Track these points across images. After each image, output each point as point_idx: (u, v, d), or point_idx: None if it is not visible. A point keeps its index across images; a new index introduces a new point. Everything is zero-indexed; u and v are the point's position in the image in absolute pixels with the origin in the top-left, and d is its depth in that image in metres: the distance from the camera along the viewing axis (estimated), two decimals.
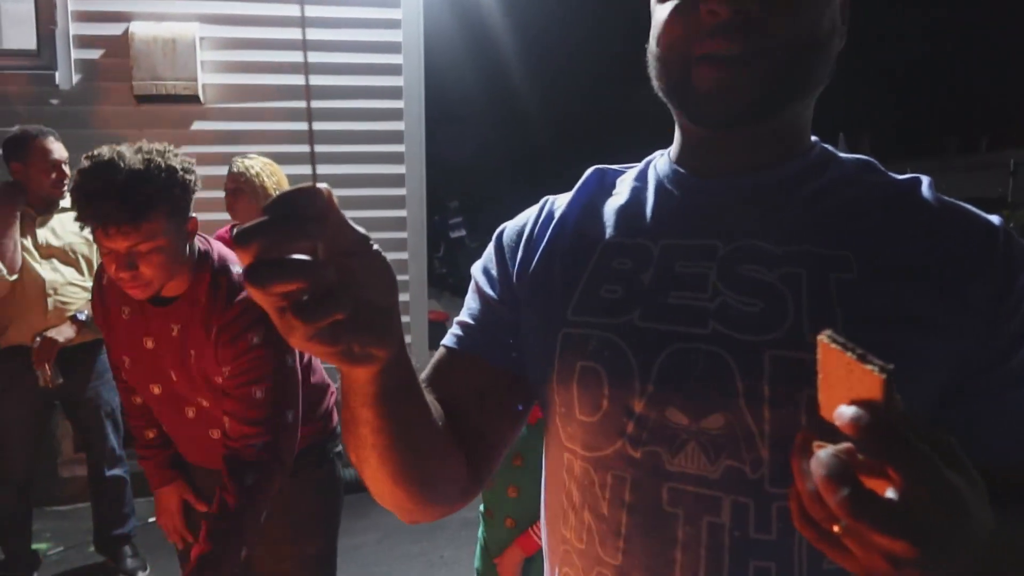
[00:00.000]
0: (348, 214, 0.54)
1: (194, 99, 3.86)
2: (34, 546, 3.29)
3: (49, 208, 3.05)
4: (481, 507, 2.09)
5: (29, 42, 3.74)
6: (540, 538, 1.91)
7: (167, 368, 1.76)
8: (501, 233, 0.90)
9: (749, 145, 0.77)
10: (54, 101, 3.80)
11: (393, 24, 4.10)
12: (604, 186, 0.88)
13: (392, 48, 4.11)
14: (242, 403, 1.63)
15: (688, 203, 0.80)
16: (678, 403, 0.72)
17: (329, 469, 1.99)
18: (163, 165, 1.57)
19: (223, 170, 3.99)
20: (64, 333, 3.00)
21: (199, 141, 3.97)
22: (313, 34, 4.02)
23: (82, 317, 3.06)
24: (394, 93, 4.15)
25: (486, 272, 0.89)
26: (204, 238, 1.77)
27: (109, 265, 1.59)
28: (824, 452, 0.51)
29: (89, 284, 3.13)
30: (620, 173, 0.89)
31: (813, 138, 0.82)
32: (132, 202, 1.51)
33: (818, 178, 0.77)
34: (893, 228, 0.73)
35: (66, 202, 3.11)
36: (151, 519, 3.75)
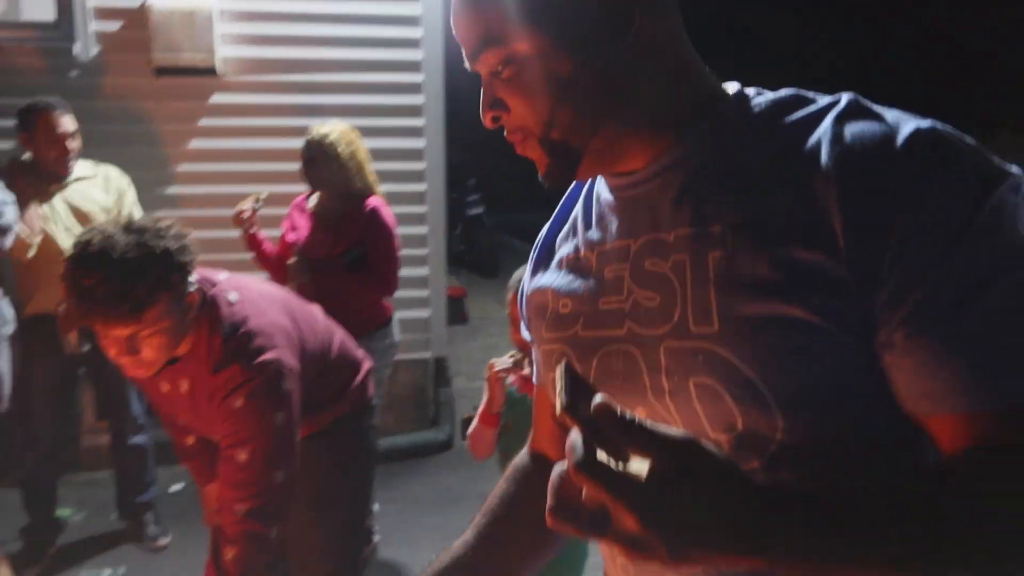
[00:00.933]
0: None
1: (212, 72, 3.86)
2: (58, 512, 3.35)
3: (62, 178, 3.08)
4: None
5: (48, 14, 3.74)
6: None
7: (181, 415, 1.79)
8: (520, 293, 0.97)
9: (609, 162, 0.78)
10: (72, 73, 3.82)
11: None
12: (572, 199, 0.91)
13: (411, 21, 4.09)
14: (228, 464, 1.61)
15: (609, 209, 0.82)
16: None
17: (361, 441, 2.01)
18: (158, 250, 1.51)
19: (241, 143, 4.02)
20: None
21: (217, 114, 3.97)
22: (330, 7, 4.00)
23: None
24: (413, 67, 4.13)
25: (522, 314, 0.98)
26: (210, 282, 1.71)
27: (109, 349, 1.55)
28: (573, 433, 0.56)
29: None
30: (581, 185, 0.91)
31: (733, 84, 0.78)
32: (131, 298, 1.46)
33: (708, 152, 0.74)
34: (765, 185, 0.69)
35: (82, 170, 3.14)
36: (172, 488, 3.81)
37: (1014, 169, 0.65)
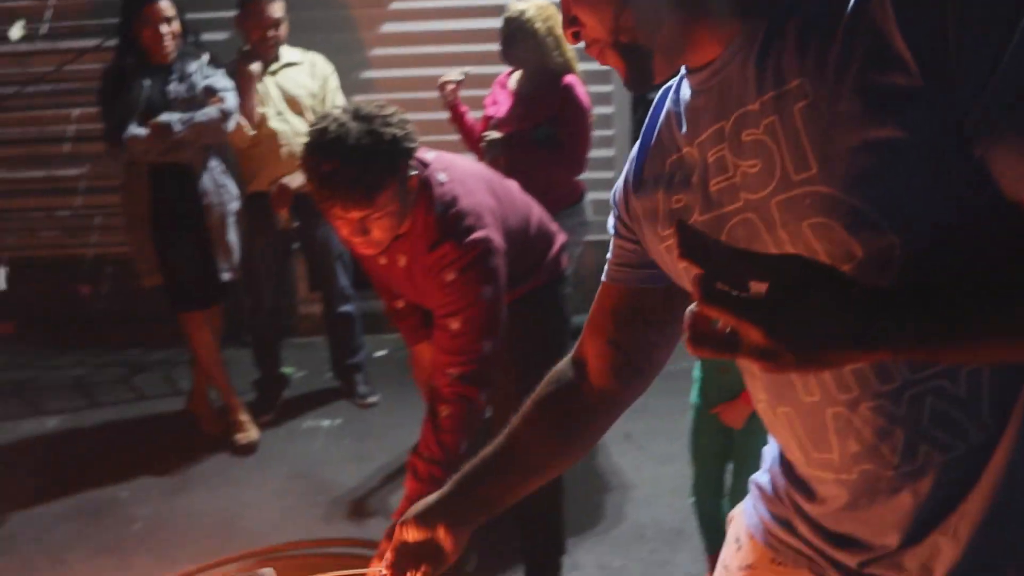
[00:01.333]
0: None
1: None
2: (282, 369, 3.77)
3: (271, 62, 3.27)
4: None
5: None
6: None
7: (399, 285, 1.91)
8: (614, 192, 1.04)
9: (678, 55, 0.83)
10: None
11: None
12: (658, 110, 0.96)
13: None
14: (442, 332, 1.74)
15: (696, 105, 0.87)
16: None
17: (557, 310, 2.09)
18: (387, 137, 1.58)
19: (437, 24, 4.05)
20: (296, 180, 3.28)
21: None
22: None
23: None
24: None
25: (615, 224, 1.04)
26: (423, 163, 1.77)
27: (341, 228, 1.67)
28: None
29: None
30: (668, 89, 0.95)
31: None
32: (366, 182, 1.56)
33: (773, 23, 0.78)
34: (828, 30, 0.73)
35: (291, 57, 3.33)
36: (376, 354, 4.16)
37: None
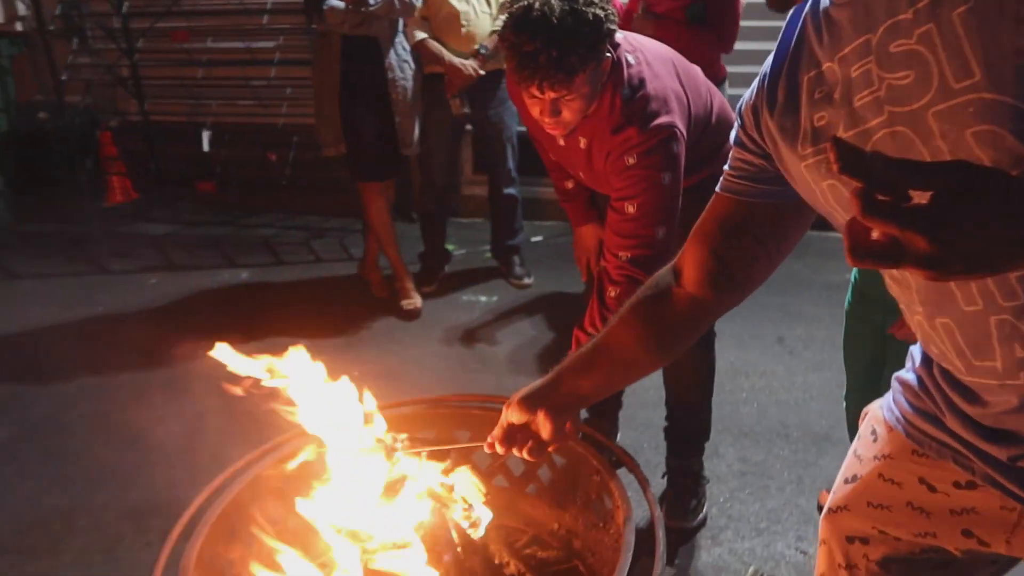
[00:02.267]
0: None
1: None
2: (445, 245, 3.97)
3: None
4: None
5: None
6: None
7: (576, 167, 1.92)
8: (741, 104, 1.02)
9: None
10: None
11: None
12: (794, 24, 0.93)
13: None
14: (617, 215, 1.74)
15: (837, 19, 0.84)
16: None
17: None
18: (590, 17, 1.56)
19: None
20: (468, 67, 3.35)
21: None
22: None
23: (484, 52, 3.38)
24: None
25: (739, 136, 1.02)
26: (613, 44, 1.73)
27: (533, 107, 1.68)
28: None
29: (494, 13, 3.41)
30: (806, 4, 0.92)
31: None
32: (567, 63, 1.55)
33: None
34: None
35: None
36: (533, 239, 4.28)
37: None
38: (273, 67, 4.46)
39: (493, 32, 3.39)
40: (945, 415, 0.96)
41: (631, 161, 1.72)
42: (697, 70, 2.00)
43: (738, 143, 1.03)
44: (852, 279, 2.13)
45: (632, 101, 1.73)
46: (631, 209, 1.72)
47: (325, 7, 3.05)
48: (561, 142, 1.89)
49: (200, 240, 4.50)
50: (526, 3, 1.58)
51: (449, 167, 3.75)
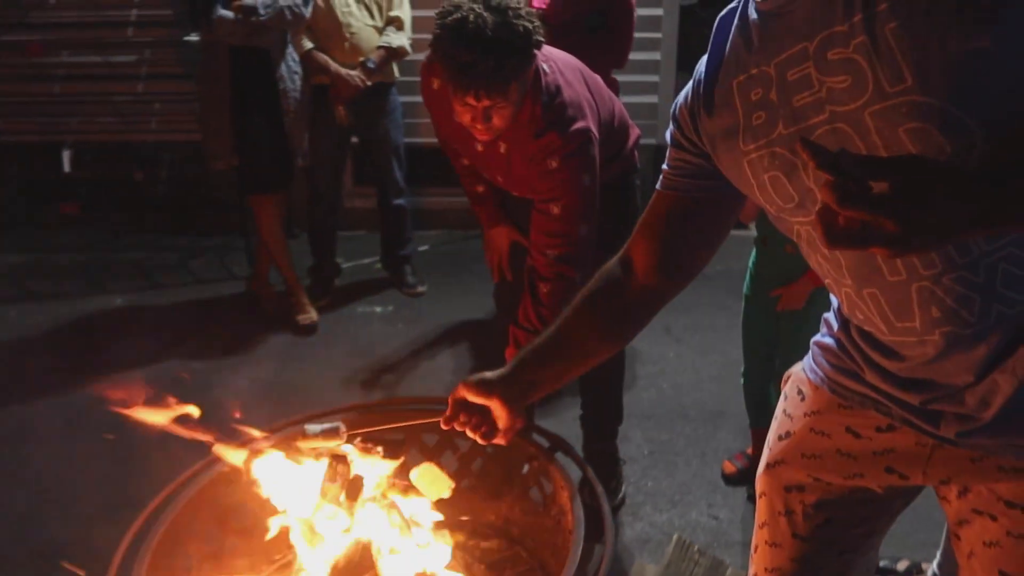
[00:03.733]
0: None
1: None
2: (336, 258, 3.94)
3: None
4: (754, 234, 2.26)
5: None
6: None
7: (494, 171, 2.01)
8: (676, 107, 1.13)
9: None
10: None
11: None
12: (724, 33, 1.03)
13: None
14: (542, 216, 1.85)
15: (775, 24, 0.94)
16: None
17: (629, 196, 2.23)
18: (521, 29, 1.65)
19: None
20: (355, 79, 3.37)
21: None
22: None
23: (370, 65, 3.41)
24: None
25: (675, 137, 1.13)
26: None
27: (465, 115, 1.75)
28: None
29: (379, 25, 3.44)
30: (732, 13, 1.03)
31: None
32: (502, 72, 1.63)
33: None
34: None
35: None
36: (421, 247, 4.32)
37: None
38: (141, 82, 4.26)
39: (380, 47, 3.43)
40: (864, 371, 1.09)
41: (554, 165, 1.82)
42: (599, 78, 2.13)
43: (675, 144, 1.14)
44: (750, 267, 2.32)
45: (551, 108, 1.83)
46: (556, 210, 1.83)
47: (214, 17, 2.99)
48: (480, 148, 1.97)
49: (66, 267, 4.20)
50: (459, 15, 1.64)
51: (336, 179, 3.74)
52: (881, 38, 0.84)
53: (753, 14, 0.98)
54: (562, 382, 1.38)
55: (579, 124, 1.84)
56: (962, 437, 1.01)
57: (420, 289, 3.89)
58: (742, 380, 2.44)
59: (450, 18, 1.65)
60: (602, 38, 3.00)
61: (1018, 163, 0.76)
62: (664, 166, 1.17)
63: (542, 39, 1.74)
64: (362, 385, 3.13)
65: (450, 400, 1.37)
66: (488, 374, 1.35)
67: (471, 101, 1.71)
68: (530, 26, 1.69)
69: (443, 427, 1.38)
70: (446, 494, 1.59)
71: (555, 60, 1.92)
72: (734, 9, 1.03)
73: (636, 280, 1.24)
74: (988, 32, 0.79)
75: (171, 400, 1.46)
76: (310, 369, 3.24)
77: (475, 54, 1.62)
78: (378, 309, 3.77)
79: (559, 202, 1.83)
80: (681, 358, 3.26)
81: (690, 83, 1.11)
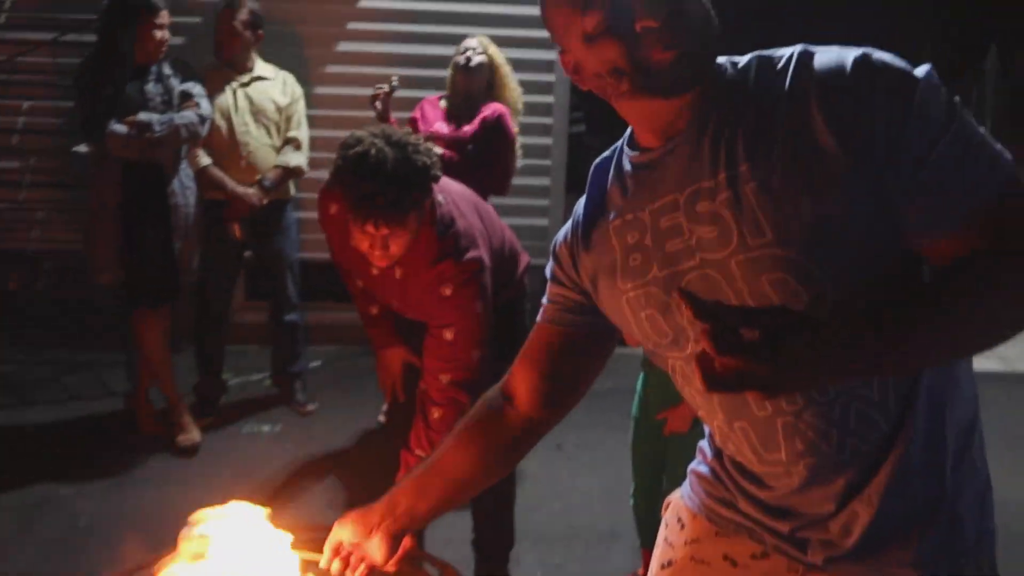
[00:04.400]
0: None
1: None
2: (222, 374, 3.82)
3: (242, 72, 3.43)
4: (641, 358, 2.36)
5: None
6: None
7: (388, 295, 2.06)
8: (555, 245, 1.19)
9: (670, 115, 1.00)
10: None
11: None
12: (600, 179, 1.13)
13: None
14: (436, 341, 1.91)
15: (647, 174, 1.04)
16: None
17: (519, 321, 2.31)
18: (419, 164, 1.76)
19: (387, 47, 4.24)
20: (251, 197, 3.39)
21: (365, 18, 4.23)
22: None
23: (267, 184, 3.45)
24: None
25: (555, 273, 1.20)
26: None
27: (361, 242, 1.82)
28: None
29: (277, 144, 3.51)
30: (607, 161, 1.12)
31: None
32: (401, 205, 1.73)
33: (715, 110, 0.97)
34: (766, 124, 0.93)
35: (263, 71, 3.47)
36: (313, 364, 4.24)
37: (923, 67, 0.91)
38: (23, 190, 4.12)
39: (277, 166, 3.48)
40: (737, 499, 1.15)
41: (448, 292, 1.89)
42: (490, 208, 2.25)
43: (554, 279, 1.21)
44: (638, 389, 2.41)
45: (445, 237, 1.92)
46: (449, 336, 1.88)
47: (108, 131, 2.96)
48: (375, 272, 2.01)
49: None
50: (361, 149, 1.72)
51: (227, 293, 3.68)
52: (743, 195, 0.94)
53: (627, 164, 1.08)
54: (444, 511, 1.36)
55: (472, 253, 1.93)
56: (828, 564, 1.08)
57: (310, 407, 3.81)
58: (631, 500, 2.50)
59: (352, 151, 1.73)
60: (484, 167, 3.15)
61: (867, 316, 0.84)
62: (544, 300, 1.23)
63: (439, 173, 1.84)
64: None
65: (326, 547, 1.34)
66: (369, 507, 1.33)
67: (370, 229, 1.77)
68: (428, 161, 1.78)
69: (323, 567, 1.34)
70: None
71: (450, 191, 2.02)
72: (608, 158, 1.12)
73: (516, 410, 1.27)
74: (834, 198, 0.90)
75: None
76: (191, 493, 3.06)
77: (375, 186, 1.70)
78: (266, 428, 3.66)
79: (452, 328, 1.88)
80: (573, 476, 3.29)
81: (569, 222, 1.18)
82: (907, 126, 0.88)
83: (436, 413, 1.88)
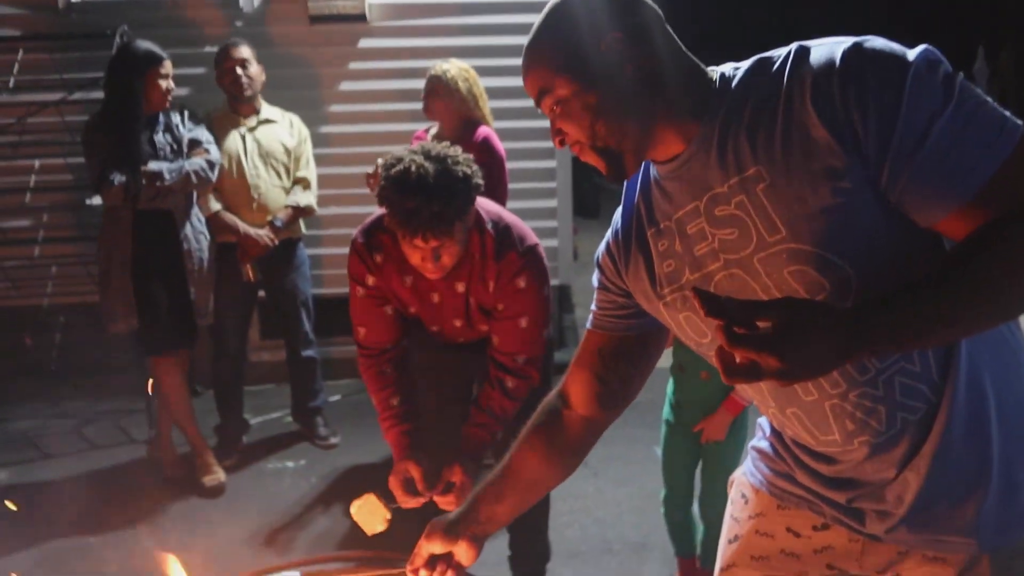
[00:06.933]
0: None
1: (362, 18, 4.17)
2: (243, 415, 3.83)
3: (247, 114, 3.49)
4: (670, 363, 2.38)
5: None
6: (743, 398, 2.21)
7: (450, 317, 2.09)
8: (598, 257, 1.27)
9: (645, 152, 1.08)
10: (238, 23, 4.19)
11: None
12: (632, 190, 1.20)
13: None
14: (511, 327, 1.99)
15: (669, 188, 1.11)
16: None
17: None
18: (460, 175, 1.81)
19: (388, 84, 4.33)
20: (264, 238, 3.44)
21: (366, 57, 4.29)
22: None
23: (278, 224, 3.49)
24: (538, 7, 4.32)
25: (601, 281, 1.27)
26: None
27: (413, 256, 1.86)
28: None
29: (287, 186, 3.56)
30: (636, 178, 1.19)
31: (718, 70, 1.06)
32: (446, 217, 1.78)
33: (721, 118, 1.02)
34: (769, 125, 0.97)
35: (269, 114, 3.53)
36: (332, 398, 4.26)
37: (918, 48, 0.93)
38: (37, 246, 4.17)
39: (287, 206, 3.53)
40: (796, 472, 1.20)
41: (523, 284, 1.95)
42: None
43: (601, 287, 1.28)
44: (668, 394, 2.42)
45: (499, 231, 1.97)
46: (524, 323, 1.97)
47: (114, 184, 3.01)
48: (436, 298, 2.03)
49: None
50: (402, 167, 1.77)
51: (242, 334, 3.71)
52: (755, 196, 1.00)
53: (654, 173, 1.14)
54: (522, 511, 1.43)
55: (530, 241, 2.01)
56: (888, 534, 1.11)
57: (333, 441, 3.81)
58: (662, 509, 2.49)
59: (394, 170, 1.78)
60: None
61: (875, 299, 0.87)
62: (592, 307, 1.30)
63: (480, 182, 1.88)
64: (278, 546, 2.98)
65: (419, 556, 1.40)
66: (452, 515, 1.41)
67: (419, 243, 1.81)
68: (468, 171, 1.83)
69: (409, 574, 1.41)
70: (382, 527, 1.71)
71: (481, 200, 2.06)
72: (638, 175, 1.18)
73: (575, 412, 1.34)
74: (835, 190, 0.94)
75: None
76: (219, 533, 3.07)
77: (420, 200, 1.74)
78: (290, 464, 3.66)
79: (526, 316, 1.97)
80: (601, 491, 3.29)
81: (609, 232, 1.25)
82: (900, 111, 0.90)
83: (511, 383, 1.99)
